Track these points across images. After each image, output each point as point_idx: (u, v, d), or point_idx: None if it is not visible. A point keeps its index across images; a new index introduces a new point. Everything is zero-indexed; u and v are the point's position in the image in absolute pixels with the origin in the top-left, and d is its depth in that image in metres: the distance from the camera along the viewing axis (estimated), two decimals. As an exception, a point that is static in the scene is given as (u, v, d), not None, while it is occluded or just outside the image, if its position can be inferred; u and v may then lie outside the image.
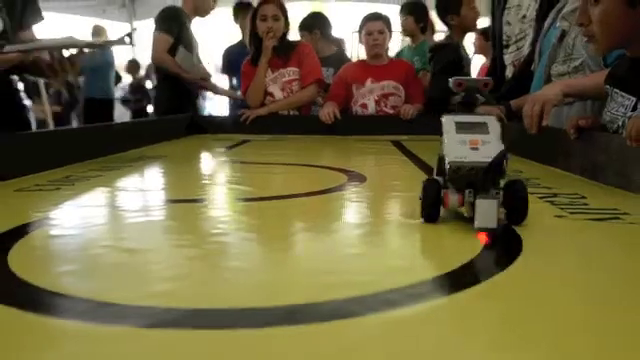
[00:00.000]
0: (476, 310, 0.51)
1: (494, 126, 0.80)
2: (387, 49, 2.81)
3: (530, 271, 0.61)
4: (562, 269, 0.64)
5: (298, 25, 3.29)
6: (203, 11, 3.03)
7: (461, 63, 2.75)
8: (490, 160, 0.75)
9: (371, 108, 2.68)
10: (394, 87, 2.68)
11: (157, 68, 3.09)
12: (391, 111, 2.66)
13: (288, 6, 2.67)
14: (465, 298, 0.53)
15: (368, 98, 2.69)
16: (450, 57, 2.73)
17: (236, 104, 3.24)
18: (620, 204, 0.94)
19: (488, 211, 0.74)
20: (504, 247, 0.72)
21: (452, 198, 0.79)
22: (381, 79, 2.68)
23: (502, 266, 0.62)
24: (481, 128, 0.80)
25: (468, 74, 2.84)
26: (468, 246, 0.69)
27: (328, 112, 2.52)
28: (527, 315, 0.48)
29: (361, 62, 2.85)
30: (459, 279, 0.59)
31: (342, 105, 2.69)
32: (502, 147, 0.77)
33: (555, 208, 0.92)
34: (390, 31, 2.77)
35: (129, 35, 1.37)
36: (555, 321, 0.47)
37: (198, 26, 3.08)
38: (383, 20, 2.73)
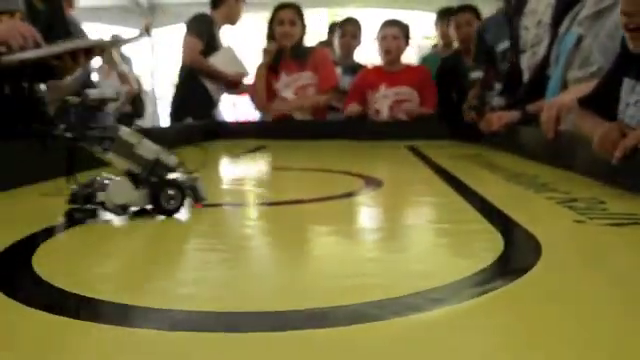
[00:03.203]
0: (497, 314, 0.51)
1: None
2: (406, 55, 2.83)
3: (550, 276, 0.61)
4: (582, 274, 0.63)
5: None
6: (235, 20, 3.07)
7: (455, 73, 2.89)
8: None
9: (384, 114, 2.67)
10: (408, 93, 2.66)
11: (183, 70, 3.06)
12: (404, 118, 2.65)
13: (305, 13, 2.69)
14: (486, 302, 0.53)
15: (382, 104, 2.68)
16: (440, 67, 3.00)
17: None
18: (640, 209, 0.94)
19: None
20: (524, 252, 0.72)
21: None
22: (395, 85, 2.67)
23: (522, 271, 0.62)
24: None
25: (461, 84, 2.91)
26: (488, 250, 0.69)
27: (353, 109, 2.59)
28: (547, 320, 0.48)
29: (376, 67, 2.84)
30: (479, 283, 0.58)
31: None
32: None
33: (574, 213, 0.92)
34: (407, 38, 2.76)
35: (147, 28, 1.39)
36: (576, 325, 0.47)
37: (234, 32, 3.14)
38: (400, 26, 2.72)
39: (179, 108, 3.01)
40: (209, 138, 2.53)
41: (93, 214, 0.88)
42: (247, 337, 0.45)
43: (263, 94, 2.69)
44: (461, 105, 2.84)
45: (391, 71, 2.69)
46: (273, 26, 2.63)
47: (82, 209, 0.87)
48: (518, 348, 0.44)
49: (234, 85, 3.07)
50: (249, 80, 3.00)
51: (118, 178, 0.88)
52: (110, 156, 0.87)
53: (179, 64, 3.07)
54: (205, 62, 2.90)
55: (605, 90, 1.31)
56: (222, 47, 2.98)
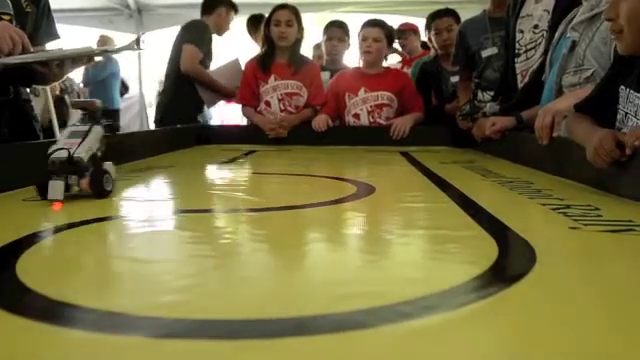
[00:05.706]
0: (490, 322, 0.50)
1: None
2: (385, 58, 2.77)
3: (544, 283, 0.60)
4: (577, 281, 0.62)
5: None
6: (222, 29, 3.11)
7: (434, 78, 2.94)
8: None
9: (364, 119, 2.63)
10: (388, 98, 2.61)
11: (175, 76, 3.00)
12: (384, 122, 2.61)
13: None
14: (479, 310, 0.52)
15: (361, 108, 2.63)
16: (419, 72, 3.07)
17: None
18: (635, 215, 0.93)
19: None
20: (518, 259, 0.70)
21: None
22: (375, 89, 2.61)
23: (516, 278, 0.61)
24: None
25: (441, 89, 2.95)
26: (482, 257, 0.68)
27: (320, 120, 2.53)
28: (541, 327, 0.47)
29: (356, 70, 2.76)
30: (473, 290, 0.57)
31: (334, 115, 2.65)
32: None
33: (569, 219, 0.91)
34: (390, 40, 2.69)
35: (137, 41, 1.37)
36: (570, 332, 0.46)
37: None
38: (382, 28, 2.63)
39: (168, 112, 3.00)
40: (199, 142, 2.52)
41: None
42: (234, 345, 0.44)
43: (248, 91, 2.68)
44: (441, 110, 2.84)
45: (371, 74, 2.63)
46: (269, 28, 2.61)
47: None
48: (512, 355, 0.43)
49: (228, 96, 3.05)
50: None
51: None
52: None
53: (172, 68, 3.00)
54: (204, 72, 2.93)
55: (601, 95, 1.30)
56: (231, 60, 3.05)
